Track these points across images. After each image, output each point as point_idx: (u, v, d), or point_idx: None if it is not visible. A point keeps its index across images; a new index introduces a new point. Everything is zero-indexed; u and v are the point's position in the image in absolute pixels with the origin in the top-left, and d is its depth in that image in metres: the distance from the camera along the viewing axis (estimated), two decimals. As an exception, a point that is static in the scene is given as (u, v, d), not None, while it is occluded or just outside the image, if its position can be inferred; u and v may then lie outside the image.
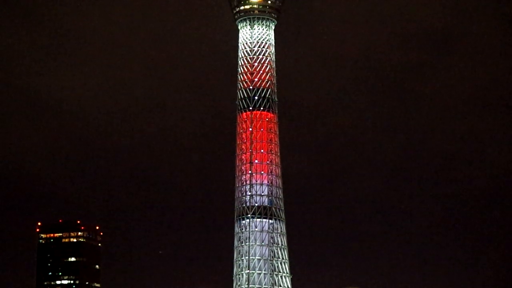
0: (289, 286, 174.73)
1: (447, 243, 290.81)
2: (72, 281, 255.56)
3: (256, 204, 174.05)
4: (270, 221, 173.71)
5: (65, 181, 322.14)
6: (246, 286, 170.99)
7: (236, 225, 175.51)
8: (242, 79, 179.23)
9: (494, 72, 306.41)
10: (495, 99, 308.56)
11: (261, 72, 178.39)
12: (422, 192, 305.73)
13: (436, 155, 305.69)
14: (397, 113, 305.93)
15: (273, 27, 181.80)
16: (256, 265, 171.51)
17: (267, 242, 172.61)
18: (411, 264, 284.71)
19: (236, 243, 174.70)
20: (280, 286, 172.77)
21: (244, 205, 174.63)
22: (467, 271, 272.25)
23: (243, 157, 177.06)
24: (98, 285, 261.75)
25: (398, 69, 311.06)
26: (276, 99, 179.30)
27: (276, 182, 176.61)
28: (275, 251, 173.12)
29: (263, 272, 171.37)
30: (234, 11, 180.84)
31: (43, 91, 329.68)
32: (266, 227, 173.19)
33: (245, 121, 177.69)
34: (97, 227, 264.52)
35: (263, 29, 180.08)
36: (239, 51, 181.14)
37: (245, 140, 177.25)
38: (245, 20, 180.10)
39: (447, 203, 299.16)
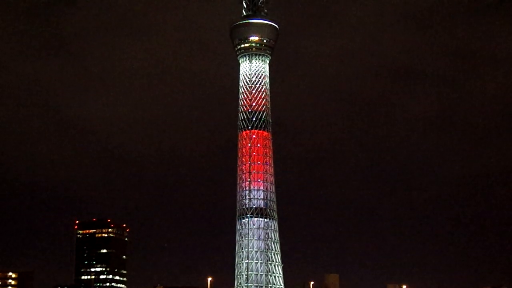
0: (281, 273, 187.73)
1: (411, 237, 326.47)
2: (103, 269, 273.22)
3: (254, 206, 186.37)
4: (265, 220, 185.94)
5: (98, 187, 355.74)
6: (246, 273, 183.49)
7: (237, 223, 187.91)
8: (242, 103, 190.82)
9: (446, 98, 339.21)
10: (448, 120, 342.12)
11: (258, 98, 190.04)
12: (389, 194, 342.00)
13: (401, 166, 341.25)
14: (368, 132, 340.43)
15: (268, 61, 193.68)
16: (254, 256, 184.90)
17: (263, 237, 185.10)
18: (381, 254, 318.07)
19: (237, 238, 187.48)
20: (274, 273, 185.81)
21: (244, 207, 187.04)
22: (429, 258, 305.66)
23: (243, 167, 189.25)
24: (125, 271, 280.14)
25: (368, 96, 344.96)
26: (270, 120, 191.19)
27: (270, 188, 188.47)
28: (270, 244, 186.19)
29: (260, 261, 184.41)
30: (236, 49, 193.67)
31: (80, 113, 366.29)
32: (262, 225, 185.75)
33: (245, 138, 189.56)
34: (124, 225, 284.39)
35: (260, 63, 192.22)
36: (240, 81, 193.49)
37: (245, 154, 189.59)
38: (245, 55, 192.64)
39: (408, 205, 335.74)
